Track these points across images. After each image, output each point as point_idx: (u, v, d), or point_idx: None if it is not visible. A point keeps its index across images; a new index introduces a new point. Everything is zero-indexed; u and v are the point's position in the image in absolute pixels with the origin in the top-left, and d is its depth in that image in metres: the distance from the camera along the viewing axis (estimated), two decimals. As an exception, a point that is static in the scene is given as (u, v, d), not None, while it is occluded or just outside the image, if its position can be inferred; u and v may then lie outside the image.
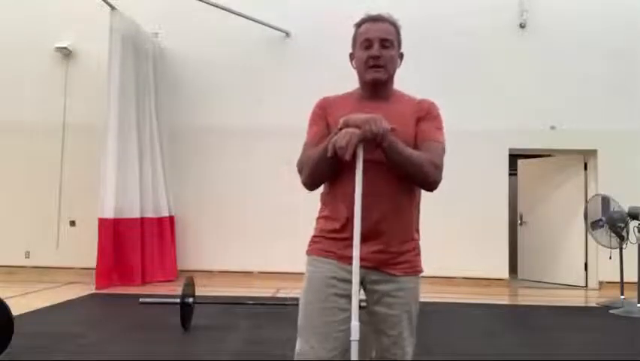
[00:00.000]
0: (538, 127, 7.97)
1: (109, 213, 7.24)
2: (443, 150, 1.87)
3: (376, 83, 1.90)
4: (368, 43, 1.88)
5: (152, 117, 8.03)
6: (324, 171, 1.84)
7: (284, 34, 8.30)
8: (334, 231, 1.88)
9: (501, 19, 8.17)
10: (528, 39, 8.15)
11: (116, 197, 7.31)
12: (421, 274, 1.95)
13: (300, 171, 1.89)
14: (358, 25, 1.95)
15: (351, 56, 1.98)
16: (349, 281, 1.78)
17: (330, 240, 1.89)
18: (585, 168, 8.31)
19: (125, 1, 7.47)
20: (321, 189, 1.96)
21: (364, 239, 1.75)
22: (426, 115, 1.89)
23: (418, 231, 1.96)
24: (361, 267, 1.75)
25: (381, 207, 1.80)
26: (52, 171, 8.18)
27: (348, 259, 1.78)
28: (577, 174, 8.37)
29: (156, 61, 8.24)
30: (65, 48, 8.32)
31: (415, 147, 1.83)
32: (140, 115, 7.80)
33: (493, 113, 7.97)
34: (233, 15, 7.85)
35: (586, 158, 8.29)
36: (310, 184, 1.89)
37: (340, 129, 1.74)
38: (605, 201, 6.58)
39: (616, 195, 6.59)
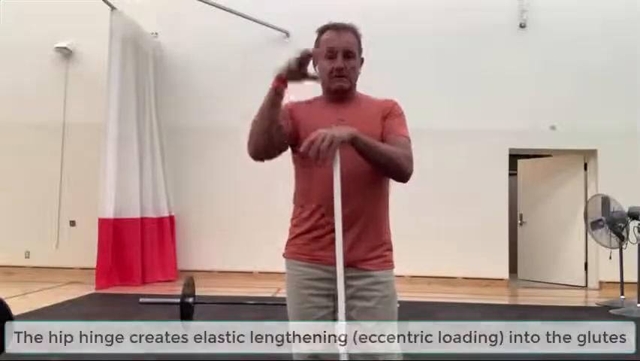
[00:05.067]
0: (538, 127, 7.97)
1: (109, 213, 7.24)
2: (410, 144, 1.94)
3: (340, 91, 1.96)
4: (331, 54, 1.94)
5: (152, 117, 8.04)
6: (270, 132, 1.84)
7: (284, 34, 8.30)
8: (306, 232, 1.93)
9: (501, 18, 8.16)
10: (528, 39, 8.15)
11: (116, 197, 7.32)
12: (394, 269, 1.98)
13: (248, 143, 1.91)
14: (321, 32, 1.99)
15: (314, 61, 2.01)
16: (326, 280, 1.87)
17: (303, 242, 1.94)
18: (585, 168, 8.30)
19: (125, 1, 7.48)
20: (293, 190, 2.01)
21: None
22: (389, 113, 1.97)
23: (388, 226, 2.00)
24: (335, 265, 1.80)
25: (352, 204, 1.82)
26: (52, 171, 8.18)
27: (322, 259, 1.87)
28: (577, 174, 8.37)
29: (156, 61, 8.25)
30: (65, 48, 8.32)
31: (382, 142, 1.89)
32: (140, 115, 7.81)
33: (493, 113, 7.96)
34: (233, 15, 7.85)
35: (586, 158, 8.29)
36: (255, 151, 1.90)
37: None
38: (605, 201, 6.57)
39: (616, 195, 6.60)
